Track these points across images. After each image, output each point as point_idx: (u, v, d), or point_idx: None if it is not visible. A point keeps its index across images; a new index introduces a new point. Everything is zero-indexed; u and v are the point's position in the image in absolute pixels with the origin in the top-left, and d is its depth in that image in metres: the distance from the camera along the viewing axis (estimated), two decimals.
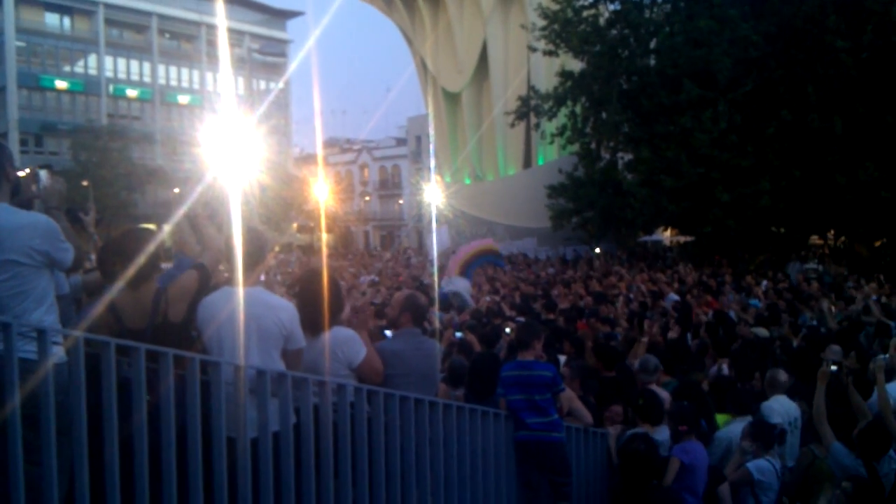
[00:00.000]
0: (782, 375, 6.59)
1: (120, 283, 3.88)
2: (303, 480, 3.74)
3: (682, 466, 5.42)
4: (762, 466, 5.46)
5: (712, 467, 5.64)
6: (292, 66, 67.43)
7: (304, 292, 4.68)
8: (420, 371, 4.93)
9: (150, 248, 4.01)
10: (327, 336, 4.56)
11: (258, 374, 3.64)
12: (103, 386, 2.99)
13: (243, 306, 3.93)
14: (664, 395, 6.44)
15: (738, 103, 23.97)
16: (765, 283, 17.19)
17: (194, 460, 3.24)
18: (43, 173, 4.05)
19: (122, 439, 3.02)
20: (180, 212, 4.82)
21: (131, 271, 3.88)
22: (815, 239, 30.07)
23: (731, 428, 6.13)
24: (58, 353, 3.01)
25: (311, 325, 4.49)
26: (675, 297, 14.34)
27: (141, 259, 3.93)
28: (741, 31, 23.73)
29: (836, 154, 22.98)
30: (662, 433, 5.90)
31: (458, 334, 8.90)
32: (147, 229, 4.33)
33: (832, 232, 29.16)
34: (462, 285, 14.17)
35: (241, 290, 4.02)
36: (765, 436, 5.58)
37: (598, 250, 32.66)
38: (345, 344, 4.60)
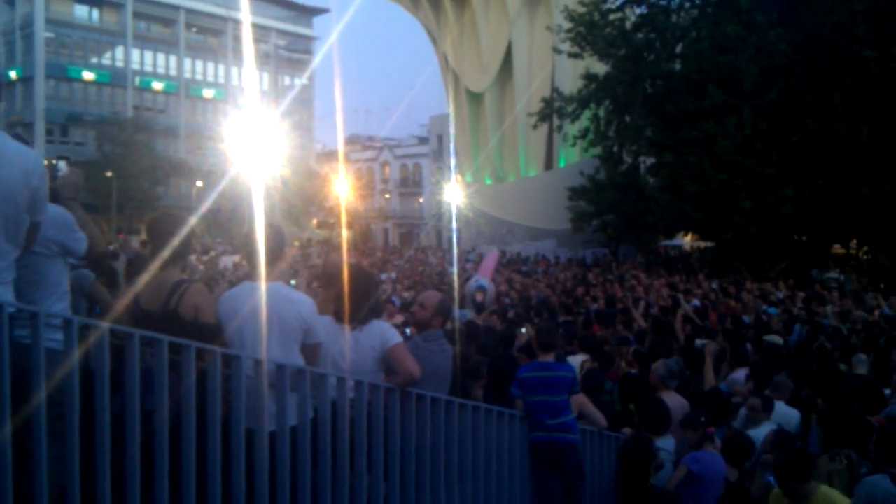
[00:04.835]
0: (785, 380, 6.56)
1: (156, 263, 3.99)
2: (319, 474, 3.79)
3: (689, 474, 5.39)
4: None
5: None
6: (315, 62, 67.66)
7: (356, 283, 4.60)
8: (440, 372, 4.95)
9: (183, 232, 4.10)
10: (376, 328, 4.56)
11: (278, 369, 3.69)
12: (126, 376, 3.05)
13: (264, 301, 3.98)
14: (677, 402, 6.39)
15: (763, 110, 23.78)
16: (780, 294, 17.02)
17: (213, 451, 3.29)
18: (61, 164, 4.11)
19: (142, 429, 3.08)
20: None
21: (166, 251, 3.99)
22: (837, 248, 29.79)
23: (756, 431, 6.04)
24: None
25: (361, 315, 4.50)
26: (696, 303, 14.31)
27: (174, 241, 4.04)
28: (768, 38, 23.53)
29: (861, 164, 22.76)
30: (667, 442, 5.87)
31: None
32: (182, 214, 4.40)
33: (855, 242, 28.89)
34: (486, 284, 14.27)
35: (262, 285, 4.06)
36: (785, 447, 5.43)
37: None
38: (382, 335, 4.59)
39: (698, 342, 8.79)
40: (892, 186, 21.88)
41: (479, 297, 13.17)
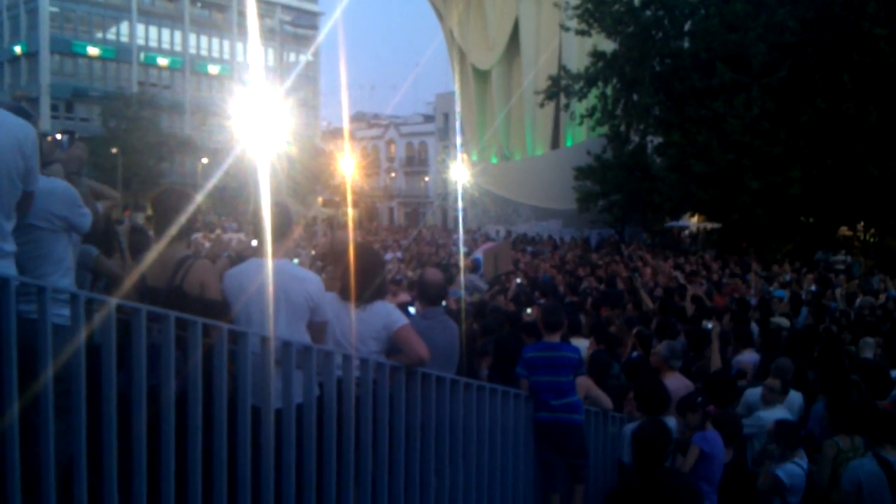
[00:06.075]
0: (787, 363, 6.54)
1: (163, 240, 3.99)
2: (324, 452, 3.79)
3: (700, 454, 5.40)
4: (792, 471, 5.21)
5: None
6: (320, 38, 67.34)
7: (362, 262, 4.55)
8: (442, 349, 4.91)
9: (188, 208, 4.08)
10: (380, 308, 4.52)
11: (284, 346, 3.69)
12: (133, 352, 3.03)
13: (272, 278, 3.96)
14: (681, 384, 6.36)
15: (771, 89, 23.61)
16: (788, 276, 16.97)
17: (219, 427, 3.29)
18: (65, 138, 4.08)
19: (148, 405, 3.07)
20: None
21: (172, 227, 3.98)
22: (844, 230, 29.66)
23: (768, 413, 6.03)
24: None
25: (367, 294, 4.48)
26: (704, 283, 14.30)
27: (179, 216, 4.03)
28: (777, 16, 23.32)
29: (869, 144, 22.59)
30: (667, 423, 5.85)
31: None
32: (187, 190, 4.38)
33: (862, 224, 28.75)
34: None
35: (269, 262, 4.05)
36: (790, 437, 5.36)
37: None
38: (387, 317, 4.56)
39: (706, 324, 8.76)
40: None
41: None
